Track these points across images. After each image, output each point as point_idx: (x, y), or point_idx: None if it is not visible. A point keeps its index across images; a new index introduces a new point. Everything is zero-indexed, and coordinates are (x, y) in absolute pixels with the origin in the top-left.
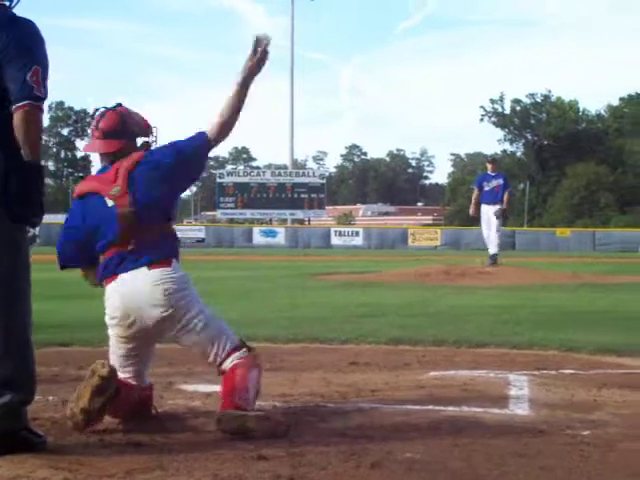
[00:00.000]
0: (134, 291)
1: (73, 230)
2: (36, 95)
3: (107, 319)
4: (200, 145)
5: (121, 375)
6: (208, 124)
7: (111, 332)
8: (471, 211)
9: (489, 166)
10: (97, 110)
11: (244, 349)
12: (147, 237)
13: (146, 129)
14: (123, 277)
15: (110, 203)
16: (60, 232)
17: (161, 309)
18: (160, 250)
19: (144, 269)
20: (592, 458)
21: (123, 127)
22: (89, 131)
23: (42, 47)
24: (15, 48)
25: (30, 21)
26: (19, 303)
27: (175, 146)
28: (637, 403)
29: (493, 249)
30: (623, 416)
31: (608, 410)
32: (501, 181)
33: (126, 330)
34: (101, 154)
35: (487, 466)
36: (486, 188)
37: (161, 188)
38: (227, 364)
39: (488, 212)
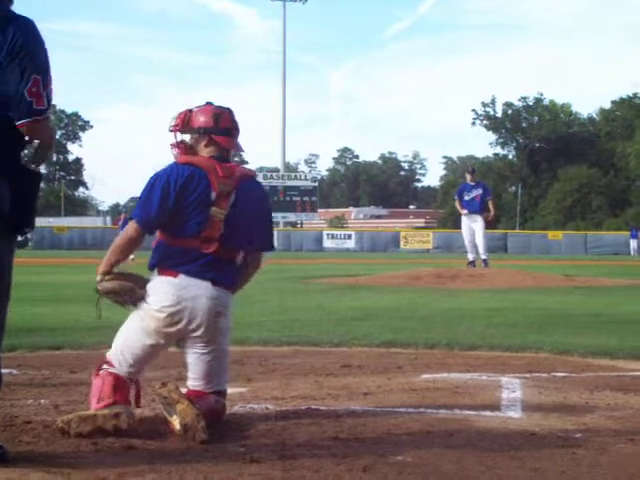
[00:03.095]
0: (191, 300)
1: (166, 188)
2: (35, 110)
3: (151, 308)
4: (272, 230)
5: (125, 369)
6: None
7: (147, 321)
8: (462, 212)
9: (468, 176)
10: (212, 104)
11: (223, 400)
12: (224, 250)
13: None
14: (186, 280)
15: (213, 194)
16: (150, 184)
17: (204, 329)
18: (227, 270)
19: (208, 284)
20: (584, 461)
21: None
22: (224, 127)
23: (42, 50)
24: (12, 54)
25: (29, 20)
26: None
27: (269, 212)
28: (629, 406)
29: (484, 254)
30: (615, 419)
31: (600, 413)
32: (480, 190)
33: (166, 327)
34: (226, 151)
35: (479, 469)
36: (466, 198)
37: (250, 216)
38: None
39: (469, 221)
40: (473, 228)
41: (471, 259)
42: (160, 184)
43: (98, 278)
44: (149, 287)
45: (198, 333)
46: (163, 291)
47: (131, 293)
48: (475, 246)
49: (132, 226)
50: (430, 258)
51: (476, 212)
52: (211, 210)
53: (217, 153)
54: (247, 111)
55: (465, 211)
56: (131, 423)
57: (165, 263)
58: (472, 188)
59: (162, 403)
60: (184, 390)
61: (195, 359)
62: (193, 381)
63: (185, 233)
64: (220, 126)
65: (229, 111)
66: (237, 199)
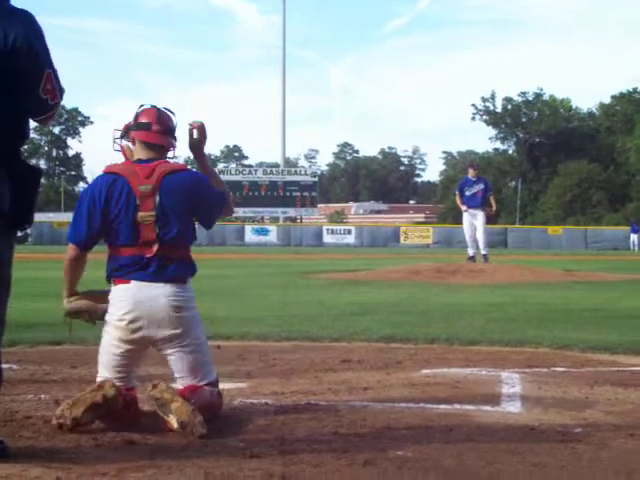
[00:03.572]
0: (147, 302)
1: (91, 205)
2: (50, 105)
3: (111, 319)
4: (219, 205)
5: (110, 376)
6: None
7: (112, 332)
8: (463, 208)
9: (470, 171)
10: (142, 106)
11: (217, 389)
12: (167, 249)
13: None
14: (138, 285)
15: (138, 199)
16: (78, 203)
17: (169, 326)
18: (178, 267)
19: (161, 284)
20: (584, 456)
21: (174, 129)
22: (141, 122)
23: (43, 42)
24: (16, 52)
25: (28, 13)
26: None
27: (206, 187)
28: (629, 400)
29: (484, 250)
30: (615, 414)
31: (600, 408)
32: (482, 186)
33: (130, 334)
34: (151, 147)
35: (479, 464)
36: (467, 193)
37: (183, 210)
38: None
39: (470, 216)
40: (474, 224)
41: (471, 254)
42: (86, 201)
43: (65, 302)
44: (109, 299)
45: (165, 333)
46: (119, 300)
47: (98, 310)
48: (476, 241)
49: (70, 247)
50: (430, 253)
51: (477, 207)
52: (138, 216)
53: (150, 154)
54: (247, 106)
55: (465, 207)
56: (118, 390)
57: (117, 273)
58: (473, 183)
59: (156, 404)
60: (179, 386)
61: (175, 358)
62: (181, 380)
63: (123, 241)
64: (137, 121)
65: (157, 109)
66: (162, 197)
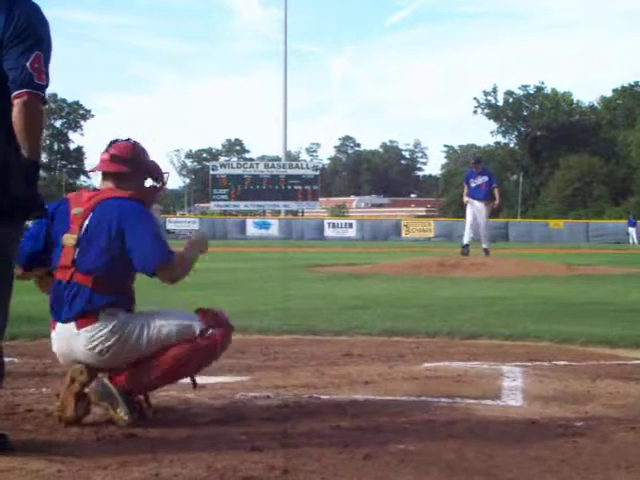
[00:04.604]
0: (68, 350)
1: (38, 227)
2: (36, 83)
3: None
4: (150, 247)
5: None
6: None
7: None
8: (465, 199)
9: (473, 166)
10: (116, 141)
11: (209, 332)
12: (81, 277)
13: (156, 172)
14: (58, 328)
15: (70, 222)
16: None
17: (104, 364)
18: (90, 298)
19: (72, 327)
20: (585, 449)
21: (132, 156)
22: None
23: (45, 30)
24: (15, 32)
25: (34, 2)
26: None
27: (136, 218)
28: (630, 394)
29: (485, 243)
30: (616, 407)
31: (601, 401)
32: (486, 178)
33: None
34: (104, 175)
35: (480, 457)
36: (472, 185)
37: (105, 239)
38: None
39: (473, 206)
40: (476, 216)
41: (466, 242)
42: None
43: None
44: None
45: (108, 365)
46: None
47: None
48: (473, 231)
49: None
50: (431, 247)
51: (481, 199)
52: (63, 237)
53: (105, 184)
54: (248, 100)
55: (467, 198)
56: (87, 370)
57: (50, 302)
58: (478, 175)
59: None
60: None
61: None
62: None
63: (55, 263)
64: None
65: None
66: (89, 222)
